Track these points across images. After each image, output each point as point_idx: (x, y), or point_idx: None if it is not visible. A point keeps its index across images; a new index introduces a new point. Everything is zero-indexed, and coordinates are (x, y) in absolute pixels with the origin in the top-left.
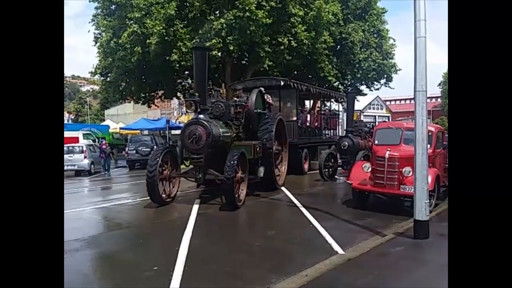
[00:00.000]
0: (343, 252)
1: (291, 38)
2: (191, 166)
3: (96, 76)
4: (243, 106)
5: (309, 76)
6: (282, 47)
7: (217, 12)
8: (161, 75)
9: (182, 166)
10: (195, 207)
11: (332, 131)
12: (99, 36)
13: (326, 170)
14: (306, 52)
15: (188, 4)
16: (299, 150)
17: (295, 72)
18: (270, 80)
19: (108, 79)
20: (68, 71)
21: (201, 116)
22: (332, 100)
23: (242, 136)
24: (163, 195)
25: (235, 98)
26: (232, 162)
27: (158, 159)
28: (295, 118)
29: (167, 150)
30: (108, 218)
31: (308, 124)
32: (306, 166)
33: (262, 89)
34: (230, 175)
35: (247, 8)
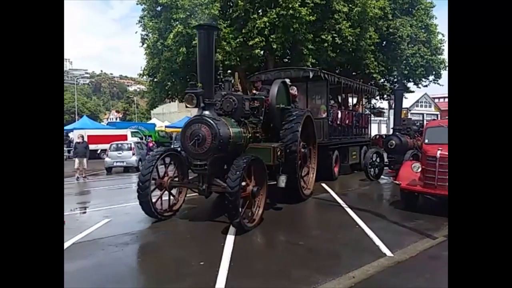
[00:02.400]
0: (392, 255)
1: (335, 35)
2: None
3: (144, 77)
4: (263, 100)
5: (353, 73)
6: (326, 44)
7: (260, 10)
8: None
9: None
10: None
11: (363, 129)
12: (146, 37)
13: (372, 169)
14: (351, 49)
15: (231, 4)
16: (329, 152)
17: (339, 69)
18: (297, 70)
19: (155, 79)
20: (115, 72)
21: (206, 112)
22: (377, 97)
23: (261, 137)
24: (159, 207)
25: (254, 91)
26: (237, 172)
27: (153, 164)
28: (325, 115)
29: (170, 153)
30: None
31: (338, 122)
32: (336, 170)
33: (288, 80)
34: (233, 190)
35: (290, 5)
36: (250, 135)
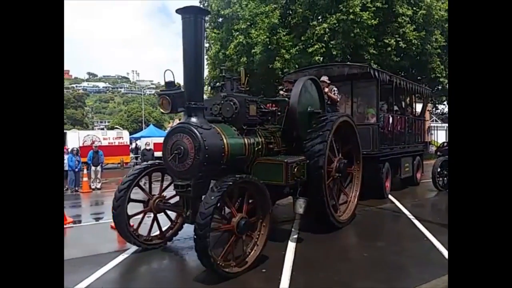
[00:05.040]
0: None
1: (398, 39)
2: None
3: (206, 87)
4: (285, 102)
5: (418, 78)
6: (389, 48)
7: (319, 17)
8: (263, 83)
9: None
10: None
11: (416, 137)
12: (208, 48)
13: (441, 179)
14: (415, 53)
15: (291, 12)
16: (379, 165)
17: (403, 74)
18: (341, 67)
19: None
20: (178, 82)
21: (192, 119)
22: (445, 102)
23: (278, 149)
24: (139, 234)
25: (281, 92)
26: (212, 198)
27: (128, 182)
28: (373, 120)
29: (162, 168)
30: None
31: (389, 128)
32: (388, 185)
33: (326, 77)
34: (203, 222)
35: (351, 10)
36: (259, 147)
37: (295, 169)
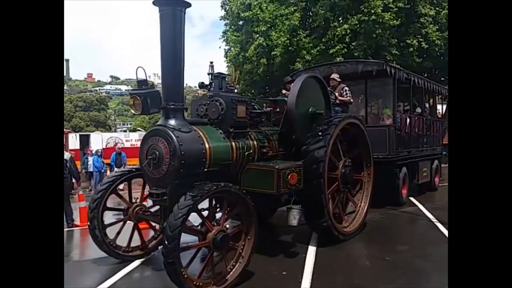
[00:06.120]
0: None
1: (421, 39)
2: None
3: None
4: (285, 103)
5: (442, 79)
6: (411, 49)
7: (340, 18)
8: (283, 84)
9: None
10: None
11: (435, 139)
12: (228, 51)
13: None
14: (438, 53)
15: (311, 13)
16: (395, 170)
17: (426, 75)
18: (355, 64)
19: (236, 90)
20: (196, 84)
21: (170, 122)
22: None
23: (274, 153)
24: (115, 244)
25: (283, 91)
26: (182, 209)
27: (105, 189)
28: (389, 121)
29: (139, 174)
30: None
31: (407, 130)
32: (404, 192)
33: (336, 75)
34: (170, 241)
35: (372, 11)
36: (250, 151)
37: (289, 176)
